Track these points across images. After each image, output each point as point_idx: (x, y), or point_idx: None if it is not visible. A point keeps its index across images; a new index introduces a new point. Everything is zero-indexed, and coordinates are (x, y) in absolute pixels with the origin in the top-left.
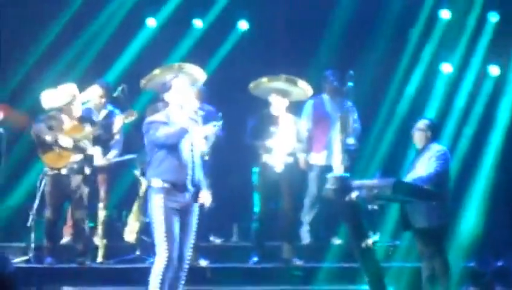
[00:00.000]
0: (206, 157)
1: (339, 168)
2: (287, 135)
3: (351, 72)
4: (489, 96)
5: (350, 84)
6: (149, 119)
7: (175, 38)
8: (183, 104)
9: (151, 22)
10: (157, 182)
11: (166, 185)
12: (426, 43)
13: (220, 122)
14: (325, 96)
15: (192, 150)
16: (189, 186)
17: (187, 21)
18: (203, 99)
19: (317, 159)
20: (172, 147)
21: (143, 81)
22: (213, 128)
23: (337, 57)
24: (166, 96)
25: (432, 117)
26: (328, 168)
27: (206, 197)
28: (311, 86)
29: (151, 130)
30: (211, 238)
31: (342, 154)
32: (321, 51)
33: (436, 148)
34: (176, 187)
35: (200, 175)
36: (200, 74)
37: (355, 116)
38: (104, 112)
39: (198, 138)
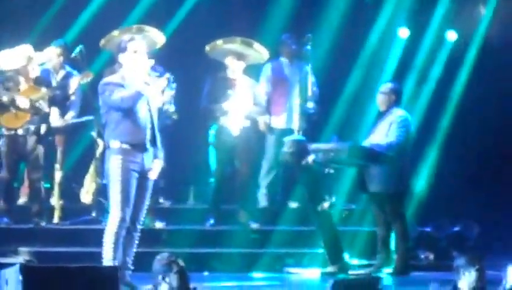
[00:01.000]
0: (175, 116)
1: (299, 132)
2: (244, 98)
3: (309, 35)
4: (447, 61)
5: (308, 47)
6: (104, 80)
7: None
8: (138, 67)
9: None
10: (115, 144)
11: (124, 146)
12: (383, 8)
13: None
14: (284, 60)
15: (149, 111)
16: (148, 147)
17: None
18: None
19: (277, 122)
20: (128, 109)
21: (102, 42)
22: (165, 81)
23: (293, 21)
24: (121, 57)
25: (394, 81)
26: (288, 132)
27: (156, 167)
28: (268, 49)
29: (107, 92)
30: (161, 200)
31: (300, 117)
32: (277, 14)
33: (398, 113)
34: (134, 148)
35: (158, 139)
36: (159, 37)
37: (313, 79)
38: (62, 73)
39: (155, 95)
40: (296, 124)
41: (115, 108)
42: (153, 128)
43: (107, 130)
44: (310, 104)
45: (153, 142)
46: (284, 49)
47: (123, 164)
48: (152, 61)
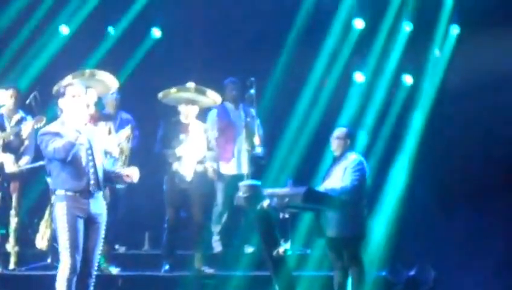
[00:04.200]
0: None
1: (248, 177)
2: (197, 142)
3: (252, 78)
4: (403, 105)
5: (252, 91)
6: (42, 130)
7: (89, 45)
8: (76, 111)
9: (64, 29)
10: (59, 191)
11: (69, 193)
12: (340, 52)
13: (129, 128)
14: (228, 105)
15: (91, 155)
16: (94, 192)
17: (101, 28)
18: (119, 107)
19: (227, 168)
20: (64, 159)
21: (55, 88)
22: (124, 135)
23: (247, 64)
24: (60, 102)
25: (348, 125)
26: (238, 177)
27: (132, 173)
28: (221, 93)
29: (43, 143)
30: (116, 246)
31: (249, 162)
32: (233, 58)
33: (352, 158)
34: (79, 194)
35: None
36: (112, 81)
37: (258, 122)
38: (15, 118)
39: (111, 147)
40: (245, 169)
41: (51, 159)
42: (95, 172)
43: (51, 178)
44: (258, 149)
45: (98, 186)
46: (227, 94)
47: (68, 210)
48: (92, 109)
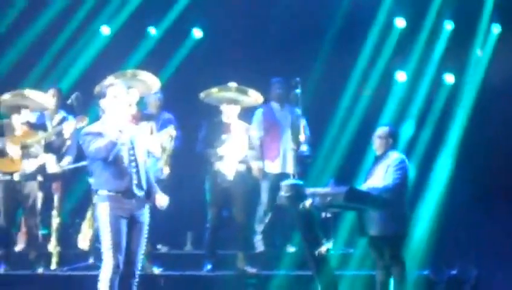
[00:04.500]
0: (162, 176)
1: (294, 176)
2: (239, 142)
3: (297, 78)
4: (444, 104)
5: (297, 90)
6: (84, 130)
7: (130, 45)
8: (118, 112)
9: (106, 30)
10: (102, 191)
11: (111, 193)
12: (381, 51)
13: (172, 127)
14: (274, 104)
15: (133, 155)
16: (136, 192)
17: (142, 28)
18: (162, 107)
19: (272, 167)
20: (106, 159)
21: (97, 88)
22: (166, 135)
23: (289, 64)
24: (102, 103)
25: (390, 124)
26: (282, 176)
27: (162, 200)
28: (263, 93)
29: (85, 143)
30: (159, 246)
31: (294, 161)
32: (273, 57)
33: (394, 156)
34: (121, 195)
35: (150, 178)
36: (153, 81)
37: (305, 123)
38: (57, 118)
39: (153, 147)
40: (290, 168)
41: (93, 159)
42: (138, 172)
43: (93, 178)
44: (304, 147)
45: (140, 186)
46: (272, 93)
47: (110, 211)
48: (134, 109)
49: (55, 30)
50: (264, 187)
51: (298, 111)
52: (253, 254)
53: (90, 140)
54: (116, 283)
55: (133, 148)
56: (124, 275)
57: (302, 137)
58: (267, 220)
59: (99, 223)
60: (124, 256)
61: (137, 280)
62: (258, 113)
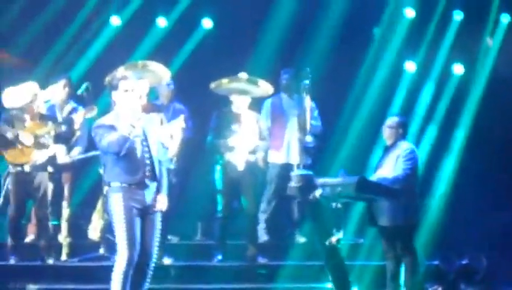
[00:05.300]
0: (172, 166)
1: (299, 166)
2: (249, 132)
3: (307, 69)
4: (454, 94)
5: (306, 81)
6: (97, 122)
7: (140, 36)
8: (130, 105)
9: (116, 20)
10: (114, 183)
11: (124, 185)
12: (390, 41)
13: (182, 118)
14: (283, 95)
15: (147, 147)
16: (149, 183)
17: (151, 19)
18: (173, 98)
19: (276, 157)
20: (118, 153)
21: (107, 79)
22: (177, 125)
23: (299, 54)
24: (114, 95)
25: (400, 114)
26: (287, 166)
27: (162, 202)
28: (273, 84)
29: (97, 136)
30: (169, 237)
31: (300, 152)
32: (284, 48)
33: (404, 147)
34: (134, 186)
35: (162, 170)
36: (164, 72)
37: (316, 113)
38: (67, 109)
39: (164, 137)
40: (295, 158)
41: (105, 152)
42: (151, 164)
43: (106, 170)
44: (309, 138)
45: (153, 177)
46: (282, 84)
47: (124, 202)
48: (144, 100)
49: (66, 20)
50: (269, 177)
51: (307, 101)
52: (264, 244)
53: (102, 133)
54: (129, 275)
55: (146, 139)
56: (139, 266)
57: (307, 126)
58: (270, 209)
59: (113, 215)
60: (139, 247)
61: (151, 271)
62: (267, 104)
